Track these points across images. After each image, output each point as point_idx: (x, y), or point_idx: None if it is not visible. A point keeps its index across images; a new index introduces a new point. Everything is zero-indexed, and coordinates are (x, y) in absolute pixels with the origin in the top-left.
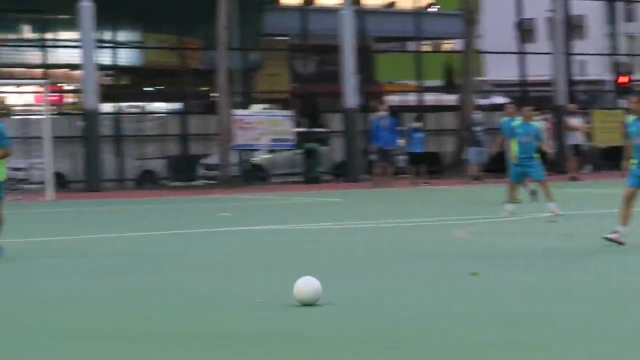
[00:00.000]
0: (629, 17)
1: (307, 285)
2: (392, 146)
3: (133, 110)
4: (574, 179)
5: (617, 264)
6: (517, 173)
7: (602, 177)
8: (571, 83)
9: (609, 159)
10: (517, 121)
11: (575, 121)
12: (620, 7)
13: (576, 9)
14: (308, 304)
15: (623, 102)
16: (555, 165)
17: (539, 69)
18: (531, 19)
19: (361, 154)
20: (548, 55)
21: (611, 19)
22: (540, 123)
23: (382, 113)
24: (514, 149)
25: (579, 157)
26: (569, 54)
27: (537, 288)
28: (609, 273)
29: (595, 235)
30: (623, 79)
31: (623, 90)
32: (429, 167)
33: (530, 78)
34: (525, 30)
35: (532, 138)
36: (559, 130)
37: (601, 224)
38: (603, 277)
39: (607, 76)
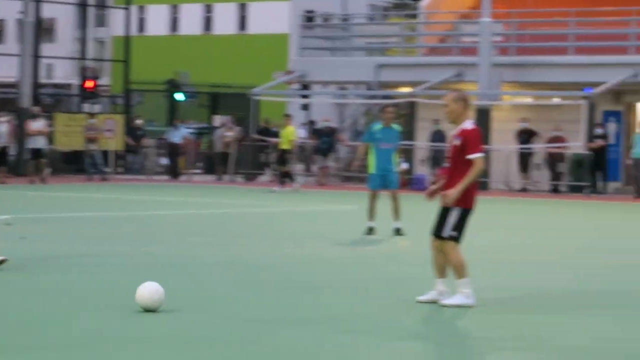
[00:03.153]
0: (99, 23)
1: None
2: None
3: None
4: (34, 181)
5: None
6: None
7: (64, 180)
8: (37, 86)
9: (70, 163)
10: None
11: (37, 124)
12: (91, 12)
13: (48, 11)
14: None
15: (88, 107)
16: (14, 168)
17: (7, 70)
18: (2, 20)
19: None
20: (16, 56)
21: (81, 24)
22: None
23: None
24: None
25: (41, 161)
26: (37, 57)
27: None
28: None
29: (45, 238)
30: (89, 84)
31: (88, 95)
32: None
33: None
34: None
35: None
36: (21, 133)
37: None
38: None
39: (74, 80)
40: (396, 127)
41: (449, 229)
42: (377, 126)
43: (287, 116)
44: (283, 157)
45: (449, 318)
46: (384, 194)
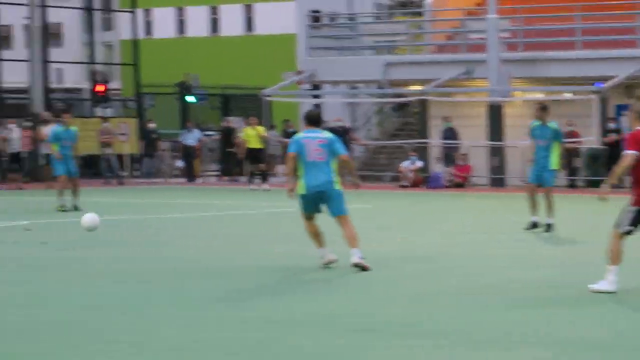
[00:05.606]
0: (106, 27)
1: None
2: None
3: None
4: (52, 187)
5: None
6: None
7: (81, 185)
8: (48, 91)
9: (86, 167)
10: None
11: (48, 130)
12: (97, 16)
13: (53, 16)
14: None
15: (99, 110)
16: (31, 173)
17: (16, 75)
18: (8, 25)
19: None
20: (25, 62)
21: (89, 28)
22: None
23: None
24: None
25: None
26: (45, 62)
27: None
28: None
29: (65, 243)
30: (100, 88)
31: (100, 99)
32: None
33: (7, 85)
34: (1, 37)
35: None
36: (35, 138)
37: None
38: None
39: (85, 84)
40: (552, 125)
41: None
42: (535, 123)
43: (252, 116)
44: (253, 156)
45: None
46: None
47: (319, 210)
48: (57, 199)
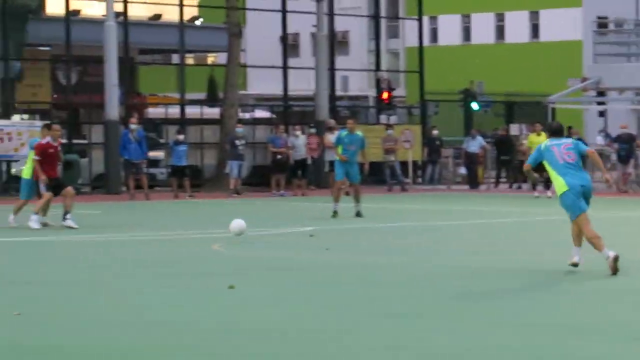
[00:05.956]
0: (392, 34)
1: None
2: (140, 159)
3: None
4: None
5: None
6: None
7: (364, 191)
8: (333, 98)
9: (370, 174)
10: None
11: (333, 137)
12: (383, 23)
13: (340, 24)
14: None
15: (384, 118)
16: (315, 180)
17: (303, 83)
18: (296, 33)
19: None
20: (312, 70)
21: (374, 36)
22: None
23: (133, 126)
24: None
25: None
26: (332, 69)
27: (293, 300)
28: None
29: (348, 249)
30: (385, 95)
31: (385, 106)
32: (191, 180)
33: (294, 92)
34: (289, 45)
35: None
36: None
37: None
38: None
39: (369, 92)
40: None
41: None
42: None
43: (539, 123)
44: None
45: None
46: None
47: (586, 204)
48: (332, 204)
